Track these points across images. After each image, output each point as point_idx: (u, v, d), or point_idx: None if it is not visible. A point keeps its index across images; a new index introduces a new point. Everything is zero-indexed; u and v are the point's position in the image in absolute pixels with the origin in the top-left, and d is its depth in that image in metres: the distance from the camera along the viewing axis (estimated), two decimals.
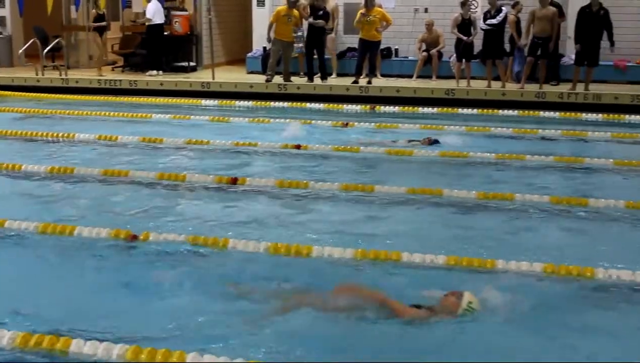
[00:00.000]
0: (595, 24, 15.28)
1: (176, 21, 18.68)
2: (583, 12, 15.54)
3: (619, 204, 8.13)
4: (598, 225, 7.80)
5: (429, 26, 17.57)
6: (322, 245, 6.63)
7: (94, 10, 18.02)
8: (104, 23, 18.11)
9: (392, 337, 5.12)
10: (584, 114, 14.29)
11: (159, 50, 18.06)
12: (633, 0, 17.57)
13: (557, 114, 14.35)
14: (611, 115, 14.17)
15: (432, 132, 12.21)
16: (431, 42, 17.58)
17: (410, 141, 11.31)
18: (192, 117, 13.82)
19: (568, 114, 14.36)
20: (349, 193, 8.57)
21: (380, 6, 16.82)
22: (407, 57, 18.44)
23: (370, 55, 16.71)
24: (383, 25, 16.41)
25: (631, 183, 9.71)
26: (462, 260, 6.33)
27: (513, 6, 16.78)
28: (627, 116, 14.06)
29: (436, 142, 11.22)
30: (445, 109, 14.63)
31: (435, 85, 16.69)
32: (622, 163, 10.25)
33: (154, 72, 17.80)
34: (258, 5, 19.33)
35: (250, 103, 15.37)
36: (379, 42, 16.75)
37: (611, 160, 10.33)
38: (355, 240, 6.97)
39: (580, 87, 15.56)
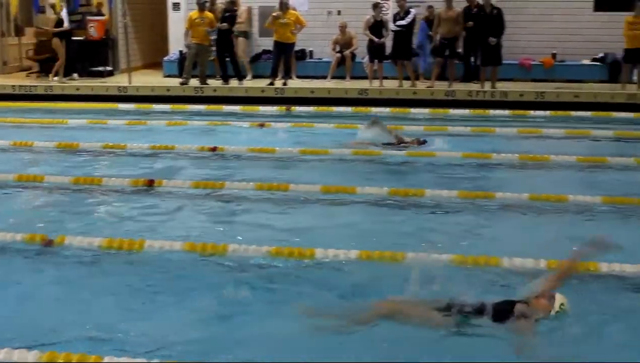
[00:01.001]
0: (490, 24, 15.67)
1: (91, 26, 18.34)
2: (478, 14, 15.94)
3: (522, 197, 8.36)
4: (504, 217, 8.01)
5: (342, 28, 17.71)
6: (239, 243, 6.64)
7: (54, 15, 17.33)
8: (64, 27, 17.34)
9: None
10: (491, 111, 14.58)
11: (71, 55, 17.69)
12: (535, 2, 18.03)
13: (466, 111, 14.62)
14: (517, 111, 14.51)
15: (348, 130, 12.41)
16: (344, 43, 17.71)
17: (400, 143, 11.27)
18: (109, 121, 13.62)
19: (477, 111, 14.65)
20: (264, 192, 8.59)
21: (294, 9, 16.89)
22: (321, 59, 18.54)
23: (285, 57, 16.78)
24: (297, 27, 16.50)
25: (535, 176, 9.96)
26: (374, 254, 6.42)
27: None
28: (531, 112, 14.42)
29: (425, 142, 11.26)
30: (359, 108, 14.77)
31: (349, 85, 16.84)
32: (527, 157, 10.51)
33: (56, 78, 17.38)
34: (173, 9, 19.18)
35: (167, 106, 15.23)
36: (293, 44, 16.83)
37: (517, 154, 10.59)
38: (271, 237, 7.01)
39: (488, 85, 15.95)
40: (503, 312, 5.18)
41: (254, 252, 6.48)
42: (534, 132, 12.66)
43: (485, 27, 15.70)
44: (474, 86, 16.31)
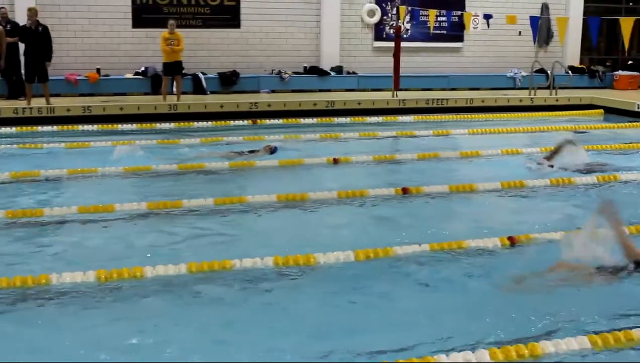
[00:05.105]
0: (37, 41, 15.38)
1: None
2: (25, 30, 15.56)
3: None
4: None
5: None
6: None
7: None
8: None
9: None
10: (40, 127, 14.15)
11: None
12: (77, 19, 17.99)
13: (13, 129, 14.05)
14: (66, 126, 14.25)
15: None
16: None
17: (251, 151, 11.20)
18: None
19: (24, 128, 14.15)
20: None
21: None
22: None
23: None
24: None
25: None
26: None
27: None
28: (80, 126, 14.27)
29: (276, 149, 11.17)
30: None
31: None
32: (77, 171, 10.37)
33: None
34: None
35: None
36: None
37: (65, 170, 10.39)
38: None
39: (36, 102, 15.51)
40: None
41: None
42: (80, 146, 12.46)
43: (31, 43, 15.31)
44: (20, 103, 15.74)
